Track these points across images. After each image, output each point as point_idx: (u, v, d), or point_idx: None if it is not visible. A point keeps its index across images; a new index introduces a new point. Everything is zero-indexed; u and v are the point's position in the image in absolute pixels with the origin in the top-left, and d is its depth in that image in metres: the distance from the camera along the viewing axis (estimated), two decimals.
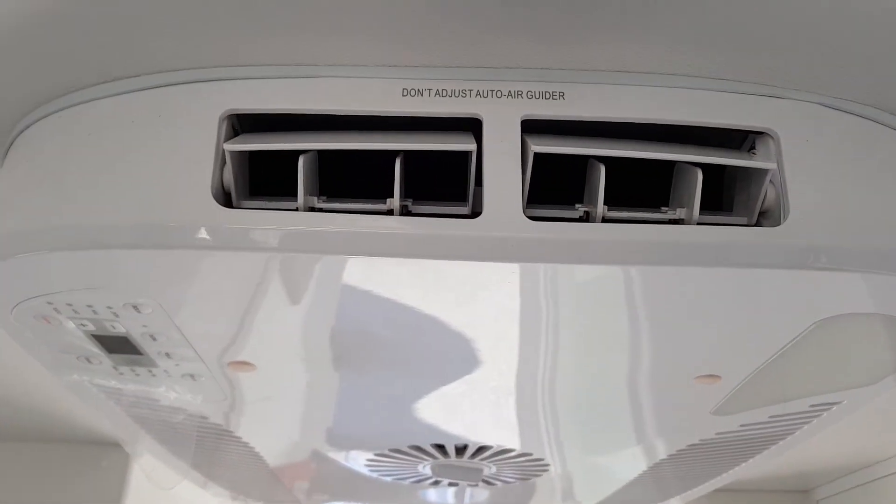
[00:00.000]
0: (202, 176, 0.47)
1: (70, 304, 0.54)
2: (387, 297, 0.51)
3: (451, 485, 1.00)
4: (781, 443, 0.82)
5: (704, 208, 0.47)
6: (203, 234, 0.45)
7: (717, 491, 1.40)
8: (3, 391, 0.91)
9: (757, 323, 0.53)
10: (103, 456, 1.14)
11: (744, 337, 0.55)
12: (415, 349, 0.59)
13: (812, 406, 0.71)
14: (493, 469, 0.93)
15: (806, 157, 0.48)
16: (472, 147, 0.46)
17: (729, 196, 0.53)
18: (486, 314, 0.53)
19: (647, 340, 0.57)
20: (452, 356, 0.60)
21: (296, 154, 0.47)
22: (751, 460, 0.92)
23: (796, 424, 0.75)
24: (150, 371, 0.65)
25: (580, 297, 0.50)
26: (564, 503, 1.22)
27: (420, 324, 0.55)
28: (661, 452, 0.89)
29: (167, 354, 0.62)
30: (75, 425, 1.04)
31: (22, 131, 0.55)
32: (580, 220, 0.48)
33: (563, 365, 0.62)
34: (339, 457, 0.94)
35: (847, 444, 1.14)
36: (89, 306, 0.54)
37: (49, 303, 0.54)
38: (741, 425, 0.75)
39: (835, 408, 0.71)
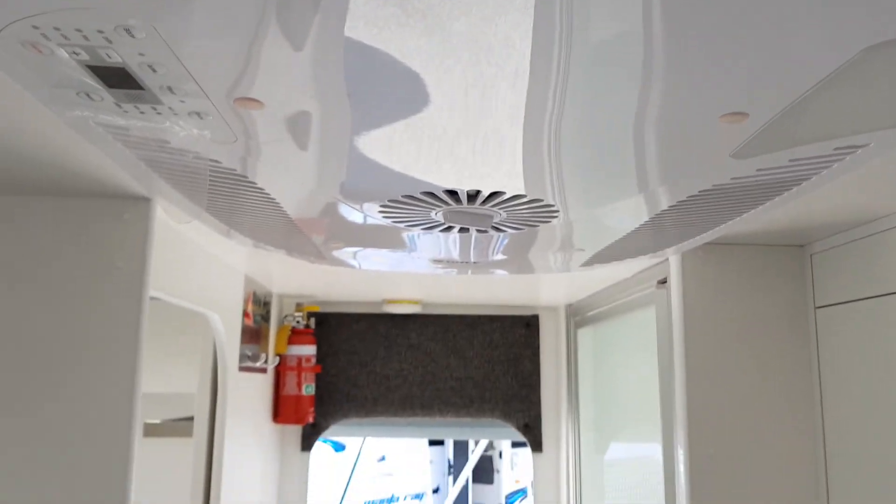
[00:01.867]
0: None
1: (58, 29, 0.50)
2: (400, 16, 0.47)
3: (461, 231, 1.03)
4: (795, 189, 0.82)
5: None
6: None
7: (711, 244, 1.46)
8: (20, 145, 0.89)
9: (802, 46, 0.48)
10: (125, 209, 1.17)
11: (784, 65, 0.51)
12: (429, 79, 0.56)
13: (836, 149, 0.69)
14: (503, 215, 0.95)
15: None
16: None
17: None
18: (505, 35, 0.48)
19: (679, 70, 0.53)
20: (465, 86, 0.57)
21: None
22: (760, 208, 0.93)
23: (815, 169, 0.74)
24: (154, 109, 0.63)
25: (616, 8, 0.45)
26: (563, 251, 1.27)
27: (435, 51, 0.51)
28: (669, 200, 0.90)
29: (170, 89, 0.59)
30: (96, 178, 1.05)
31: None
32: None
33: (579, 99, 0.59)
34: (354, 205, 0.95)
35: (843, 201, 1.16)
36: (78, 31, 0.50)
37: (35, 27, 0.50)
38: (758, 170, 0.74)
39: (860, 151, 0.69)
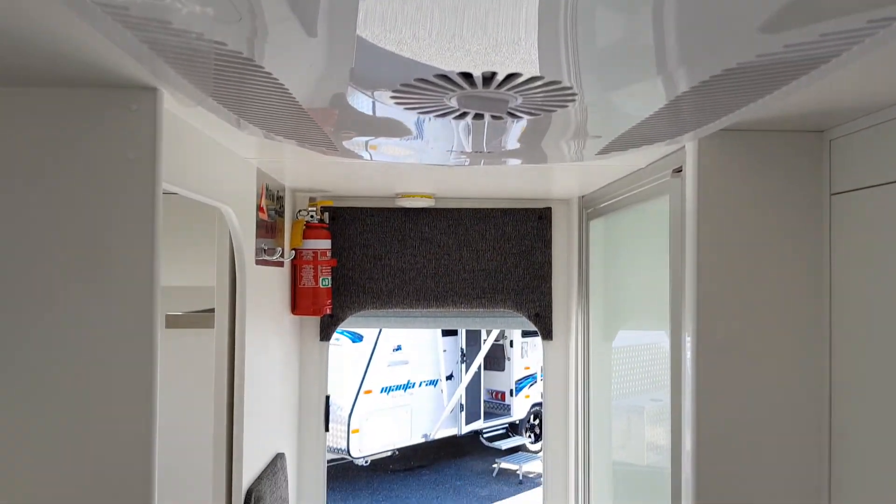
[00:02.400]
0: None
1: None
2: None
3: (475, 118, 1.01)
4: (823, 66, 0.78)
5: None
6: None
7: (728, 131, 1.42)
8: (19, 30, 0.86)
9: None
10: (132, 99, 1.14)
11: None
12: None
13: (869, 22, 0.65)
14: (519, 100, 0.92)
15: None
16: None
17: None
18: None
19: None
20: None
21: None
22: (783, 88, 0.89)
23: (845, 44, 0.71)
24: None
25: None
26: (578, 139, 1.24)
27: None
28: (691, 80, 0.86)
29: None
30: (99, 66, 1.02)
31: None
32: None
33: None
34: (366, 92, 0.93)
35: (868, 84, 1.11)
36: None
37: None
38: (786, 46, 0.71)
39: (895, 24, 0.66)
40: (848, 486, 1.38)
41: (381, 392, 9.15)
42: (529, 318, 2.61)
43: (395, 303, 2.55)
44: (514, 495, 9.23)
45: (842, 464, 1.39)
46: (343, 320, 2.56)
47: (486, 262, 2.57)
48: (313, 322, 2.57)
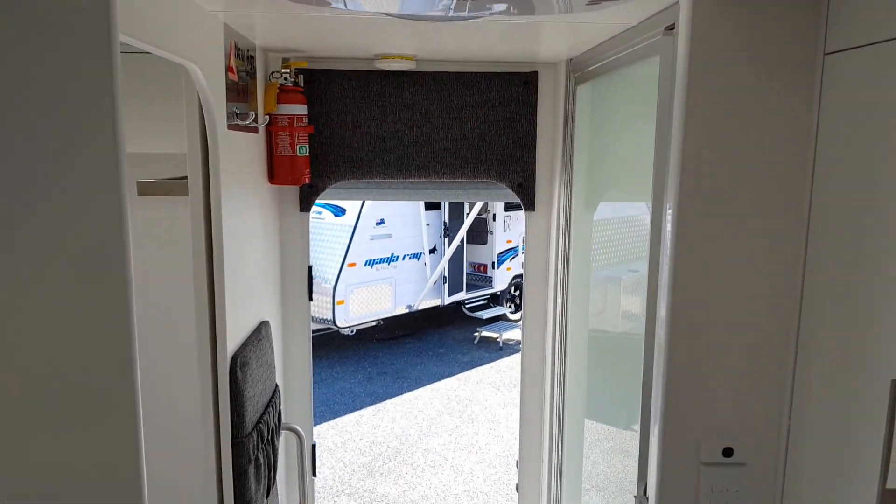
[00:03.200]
0: None
1: None
2: None
3: None
4: None
5: None
6: None
7: None
8: None
9: None
10: None
11: None
12: None
13: None
14: None
15: None
16: None
17: None
18: None
19: None
20: None
21: None
22: None
23: None
24: None
25: None
26: None
27: None
28: None
29: None
30: None
31: None
32: None
33: None
34: None
35: None
36: None
37: None
38: None
39: None
40: (814, 351, 1.42)
41: (366, 265, 9.29)
42: (512, 188, 2.58)
43: (376, 172, 2.49)
44: (494, 361, 9.69)
45: (810, 330, 1.43)
46: (322, 190, 2.51)
47: (469, 130, 2.49)
48: (292, 192, 2.52)
